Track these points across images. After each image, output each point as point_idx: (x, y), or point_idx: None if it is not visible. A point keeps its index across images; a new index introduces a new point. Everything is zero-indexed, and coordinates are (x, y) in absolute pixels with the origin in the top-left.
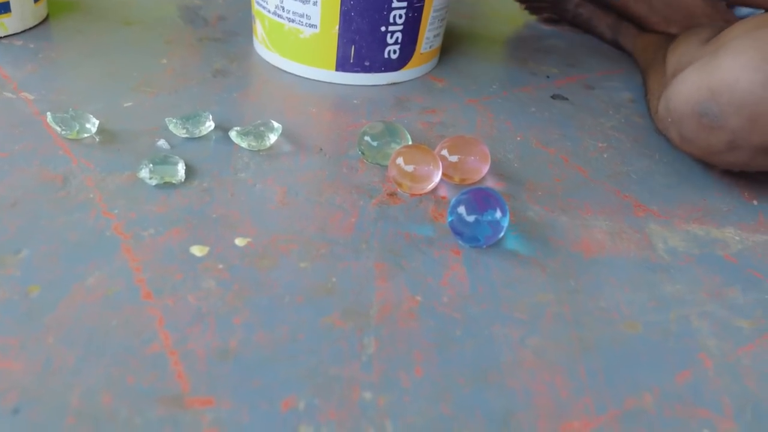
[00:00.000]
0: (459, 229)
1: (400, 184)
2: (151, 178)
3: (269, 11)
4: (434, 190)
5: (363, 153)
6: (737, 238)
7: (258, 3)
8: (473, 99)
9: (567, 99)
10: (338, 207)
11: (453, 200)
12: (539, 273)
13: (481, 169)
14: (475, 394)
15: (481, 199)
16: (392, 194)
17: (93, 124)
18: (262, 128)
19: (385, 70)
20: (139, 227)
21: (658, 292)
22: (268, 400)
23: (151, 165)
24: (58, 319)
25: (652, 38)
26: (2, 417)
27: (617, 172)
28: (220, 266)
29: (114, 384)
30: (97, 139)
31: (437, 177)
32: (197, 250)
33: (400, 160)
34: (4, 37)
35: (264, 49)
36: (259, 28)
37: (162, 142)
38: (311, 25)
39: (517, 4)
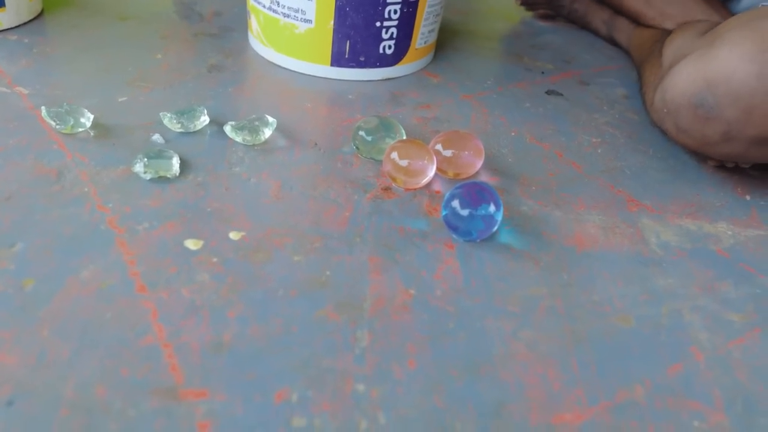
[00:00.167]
0: (453, 223)
1: (394, 179)
2: (145, 173)
3: (264, 6)
4: (428, 185)
5: (358, 148)
6: (730, 232)
7: None
8: (468, 94)
9: (562, 95)
10: (332, 201)
11: (447, 194)
12: (532, 267)
13: (475, 163)
14: (468, 386)
15: (475, 193)
16: (387, 188)
17: (88, 119)
18: (256, 123)
19: (380, 66)
20: (133, 221)
21: (650, 286)
22: (261, 392)
23: (145, 159)
24: (53, 312)
25: (647, 33)
26: None
27: (611, 168)
28: (215, 260)
29: (108, 376)
30: (92, 134)
31: (431, 171)
32: (191, 244)
33: (394, 155)
34: None
35: (259, 44)
36: (254, 23)
37: (157, 137)
38: (306, 20)
39: (513, 1)
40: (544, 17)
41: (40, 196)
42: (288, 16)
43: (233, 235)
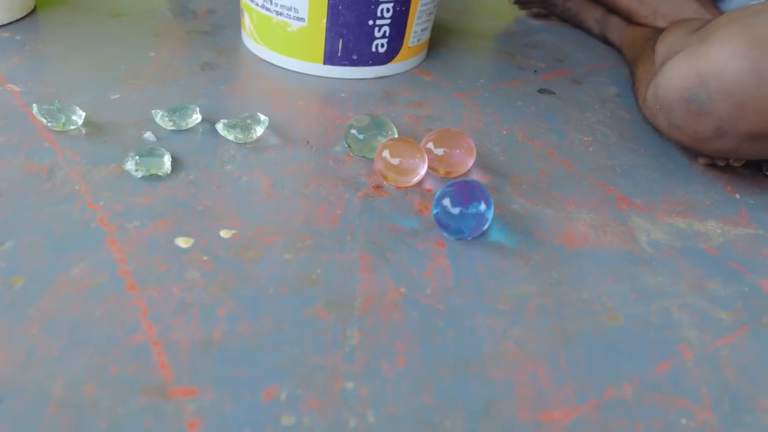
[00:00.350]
0: (444, 222)
1: (385, 177)
2: (137, 170)
3: (257, 4)
4: (420, 183)
5: (349, 146)
6: (719, 231)
7: None
8: (460, 93)
9: (554, 93)
10: (324, 199)
11: (438, 193)
12: (523, 265)
13: (466, 162)
14: (457, 384)
15: (466, 191)
16: (378, 187)
17: (79, 116)
18: (249, 121)
19: (373, 64)
20: (124, 219)
21: (640, 284)
22: (250, 390)
23: (137, 157)
24: (42, 310)
25: (640, 31)
26: None
27: (602, 166)
28: (205, 258)
29: (97, 374)
30: (84, 131)
31: (423, 170)
32: (182, 242)
33: (386, 153)
34: None
35: (252, 42)
36: (247, 21)
37: (148, 135)
38: (299, 19)
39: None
40: (537, 16)
41: (30, 194)
42: (281, 14)
43: (224, 233)
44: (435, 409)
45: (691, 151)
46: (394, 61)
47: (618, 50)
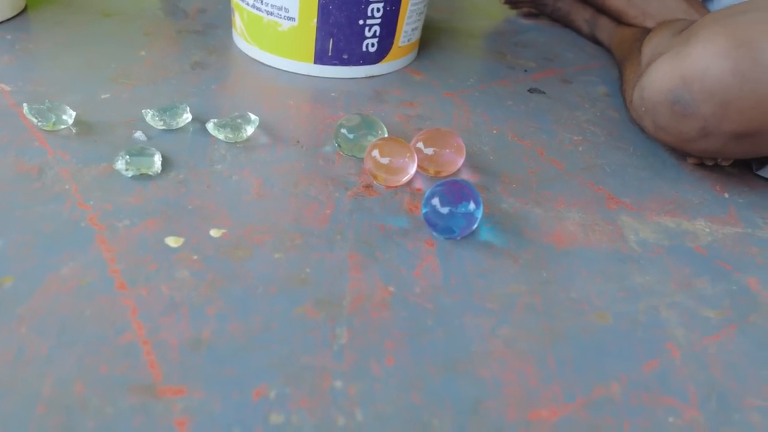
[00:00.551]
0: (433, 221)
1: (375, 176)
2: (127, 170)
3: (248, 4)
4: (410, 183)
5: (339, 145)
6: (707, 230)
7: None
8: (451, 92)
9: (544, 93)
10: (314, 199)
11: (427, 192)
12: (512, 264)
13: (456, 161)
14: (446, 382)
15: (455, 191)
16: (368, 186)
17: (69, 116)
18: (239, 120)
19: (364, 63)
20: (114, 218)
21: (628, 283)
22: (239, 389)
23: (127, 156)
24: (32, 309)
25: (628, 32)
26: None
27: (591, 165)
28: (195, 257)
29: (86, 373)
30: (74, 131)
31: (412, 169)
32: (172, 241)
33: (375, 153)
34: None
35: (243, 41)
36: (238, 20)
37: (139, 134)
38: (289, 18)
39: None
40: (528, 15)
41: (20, 193)
42: (271, 13)
43: (214, 233)
44: (423, 407)
45: (678, 152)
46: (384, 60)
47: (607, 50)
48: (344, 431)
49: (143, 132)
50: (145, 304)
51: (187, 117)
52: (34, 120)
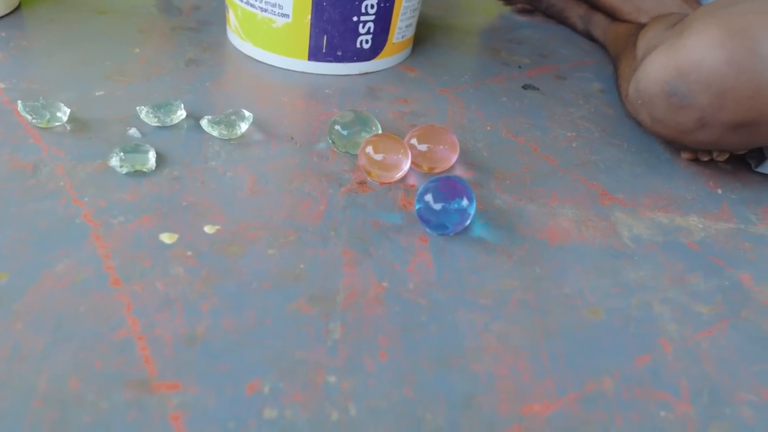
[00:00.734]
0: (426, 217)
1: (369, 173)
2: (121, 167)
3: (242, 0)
4: (403, 179)
5: (333, 142)
6: (701, 225)
7: None
8: (445, 89)
9: (538, 89)
10: (308, 195)
11: (420, 188)
12: (505, 260)
13: (449, 158)
14: (439, 377)
15: (448, 187)
16: (362, 182)
17: (64, 113)
18: (233, 117)
19: (358, 60)
20: (108, 215)
21: (621, 278)
22: (233, 384)
23: (121, 153)
24: (27, 306)
25: (623, 27)
26: None
27: (585, 161)
28: (189, 253)
29: (81, 369)
30: (68, 128)
31: (406, 166)
32: (166, 238)
33: (369, 149)
34: None
35: (237, 38)
36: (232, 17)
37: (133, 131)
38: (283, 15)
39: None
40: (522, 12)
41: (15, 190)
42: (265, 10)
43: (208, 229)
44: (416, 402)
45: (674, 145)
46: (378, 57)
47: (602, 46)
48: (338, 426)
49: (137, 129)
50: (139, 300)
51: (182, 114)
52: (29, 117)
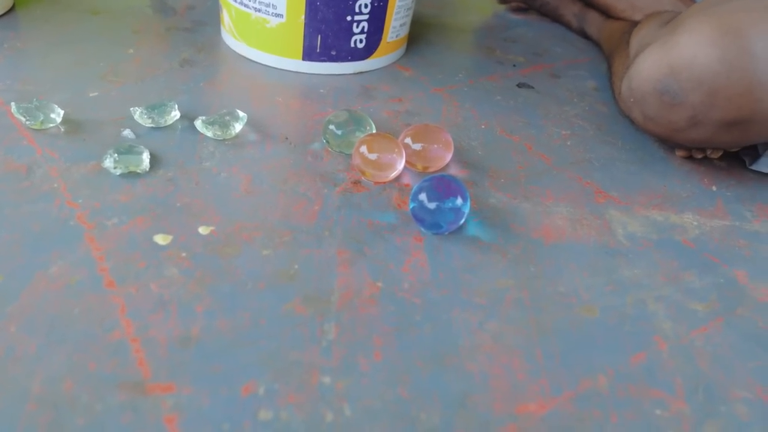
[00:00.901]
0: (420, 216)
1: (363, 172)
2: (115, 168)
3: (236, 1)
4: (398, 178)
5: (328, 141)
6: (695, 223)
7: None
8: (439, 88)
9: (532, 87)
10: (302, 195)
11: (414, 187)
12: (500, 259)
13: (444, 157)
14: (433, 377)
15: (442, 186)
16: (356, 182)
17: (58, 114)
18: (227, 117)
19: (352, 60)
20: (103, 216)
21: (616, 276)
22: (228, 386)
23: (115, 155)
24: (21, 308)
25: (617, 25)
26: None
27: (580, 160)
28: (183, 254)
29: (75, 371)
30: (62, 129)
31: (401, 165)
32: (161, 239)
33: (363, 149)
34: None
35: (231, 38)
36: (226, 17)
37: (127, 132)
38: (277, 15)
39: None
40: (517, 10)
41: (9, 192)
42: (259, 10)
43: (202, 230)
44: (411, 402)
45: (667, 143)
46: (373, 56)
47: (596, 44)
48: (333, 427)
49: (132, 130)
50: (133, 301)
51: (176, 114)
52: (23, 119)
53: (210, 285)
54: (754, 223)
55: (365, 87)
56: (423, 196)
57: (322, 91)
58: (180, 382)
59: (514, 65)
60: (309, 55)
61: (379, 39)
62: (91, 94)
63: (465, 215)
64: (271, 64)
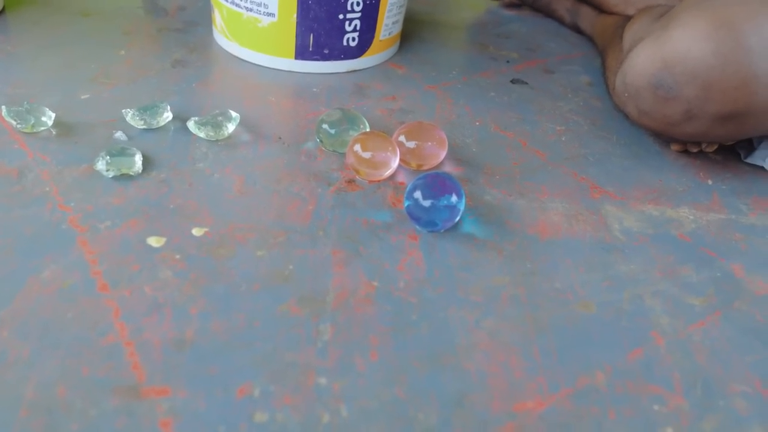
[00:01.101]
0: (416, 214)
1: (357, 171)
2: (108, 170)
3: (227, 0)
4: (392, 176)
5: (321, 141)
6: (691, 217)
7: None
8: (433, 85)
9: (526, 83)
10: (296, 195)
11: (409, 185)
12: (496, 256)
13: (438, 154)
14: (430, 376)
15: (437, 183)
16: (350, 181)
17: (49, 117)
18: (220, 118)
19: (345, 58)
20: (95, 219)
21: (612, 272)
22: (223, 388)
23: (108, 157)
24: (13, 313)
25: (610, 20)
26: None
27: (575, 155)
28: (177, 256)
29: (69, 376)
30: (54, 132)
31: (395, 163)
32: (154, 241)
33: (357, 147)
34: None
35: (223, 38)
36: (217, 17)
37: (119, 134)
38: (269, 14)
39: None
40: (510, 6)
41: (0, 196)
42: (251, 10)
43: (196, 232)
44: (408, 402)
45: (662, 137)
46: (365, 54)
47: (589, 39)
48: (329, 428)
49: (124, 132)
50: (127, 305)
51: (168, 116)
52: (13, 122)
53: (204, 287)
54: (750, 216)
55: (358, 85)
56: (418, 194)
57: (315, 90)
58: (175, 386)
59: (508, 61)
60: (301, 54)
61: (372, 37)
62: (82, 97)
63: (460, 213)
64: (263, 64)
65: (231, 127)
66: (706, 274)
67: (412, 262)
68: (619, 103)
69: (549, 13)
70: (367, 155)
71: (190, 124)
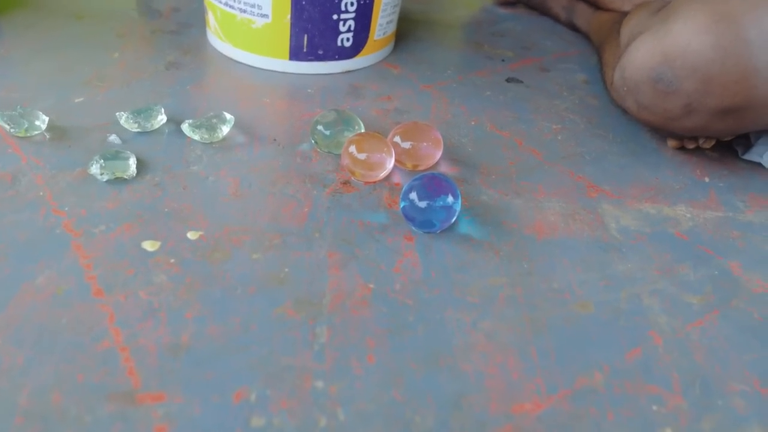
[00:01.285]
0: (411, 215)
1: (353, 172)
2: (102, 174)
3: (221, 2)
4: (388, 177)
5: (316, 142)
6: (688, 215)
7: None
8: (428, 85)
9: (522, 82)
10: (291, 197)
11: (405, 186)
12: (492, 256)
13: (434, 154)
14: (427, 378)
15: (432, 184)
16: (346, 183)
17: (42, 121)
18: (214, 120)
19: (339, 58)
20: (89, 224)
21: (609, 271)
22: (219, 393)
23: (102, 161)
24: (7, 319)
25: (606, 16)
26: None
27: (571, 154)
28: (172, 260)
29: (64, 382)
30: (48, 136)
31: (390, 164)
32: (149, 245)
33: (352, 149)
34: None
35: (217, 40)
36: (211, 18)
37: (113, 137)
38: (263, 15)
39: None
40: (505, 4)
41: None
42: (244, 11)
43: (191, 235)
44: (405, 404)
45: (661, 132)
46: (360, 54)
47: (585, 36)
48: None
49: (118, 135)
50: (122, 310)
51: (162, 118)
52: (7, 127)
53: (199, 291)
54: (747, 213)
55: (353, 86)
56: (413, 195)
57: (309, 91)
58: (170, 391)
59: (503, 60)
60: (296, 55)
61: (366, 37)
62: (76, 100)
63: (456, 213)
64: (257, 65)
65: (225, 130)
66: (703, 272)
67: (409, 263)
68: (617, 98)
69: (544, 11)
70: (362, 156)
71: (185, 127)
